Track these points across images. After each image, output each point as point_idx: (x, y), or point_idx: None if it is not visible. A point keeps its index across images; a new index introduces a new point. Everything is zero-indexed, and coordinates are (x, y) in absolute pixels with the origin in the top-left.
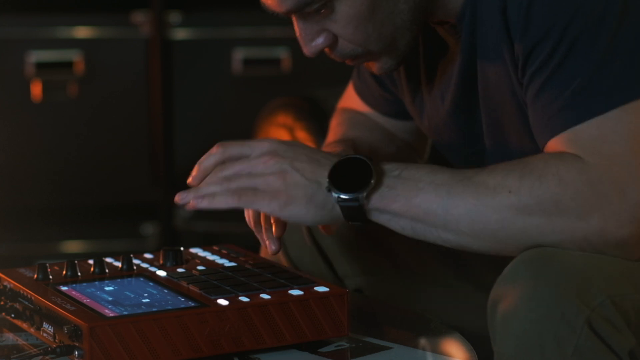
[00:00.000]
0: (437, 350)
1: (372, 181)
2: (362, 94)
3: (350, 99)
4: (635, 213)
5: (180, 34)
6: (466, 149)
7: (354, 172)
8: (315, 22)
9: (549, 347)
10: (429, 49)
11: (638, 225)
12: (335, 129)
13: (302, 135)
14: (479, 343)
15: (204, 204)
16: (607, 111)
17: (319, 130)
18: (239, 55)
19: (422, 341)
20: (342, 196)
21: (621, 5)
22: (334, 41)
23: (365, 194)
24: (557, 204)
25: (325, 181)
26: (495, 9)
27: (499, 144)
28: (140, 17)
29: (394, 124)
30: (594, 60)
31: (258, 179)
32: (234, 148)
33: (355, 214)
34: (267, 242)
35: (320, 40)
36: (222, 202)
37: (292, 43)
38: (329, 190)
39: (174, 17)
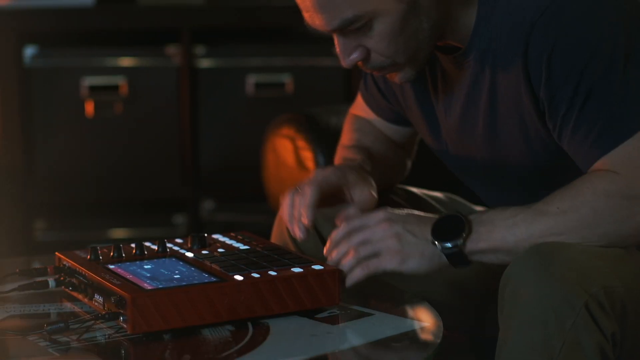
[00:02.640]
0: (409, 316)
1: (466, 230)
2: (368, 102)
3: (359, 105)
4: None
5: (205, 63)
6: (463, 161)
7: (450, 224)
8: (353, 39)
9: (551, 321)
10: (433, 72)
11: None
12: (350, 133)
13: (302, 144)
14: (444, 311)
15: (349, 283)
16: (629, 137)
17: (315, 139)
18: (251, 80)
19: (398, 309)
20: (446, 245)
21: (626, 48)
22: (367, 55)
23: (462, 241)
24: (595, 212)
25: (430, 236)
26: (514, 50)
27: (495, 158)
28: (172, 50)
29: (392, 129)
30: (611, 97)
31: (379, 244)
32: (356, 221)
33: (458, 258)
34: (297, 231)
35: (355, 55)
36: (357, 276)
37: (295, 70)
38: (434, 244)
39: (200, 49)
